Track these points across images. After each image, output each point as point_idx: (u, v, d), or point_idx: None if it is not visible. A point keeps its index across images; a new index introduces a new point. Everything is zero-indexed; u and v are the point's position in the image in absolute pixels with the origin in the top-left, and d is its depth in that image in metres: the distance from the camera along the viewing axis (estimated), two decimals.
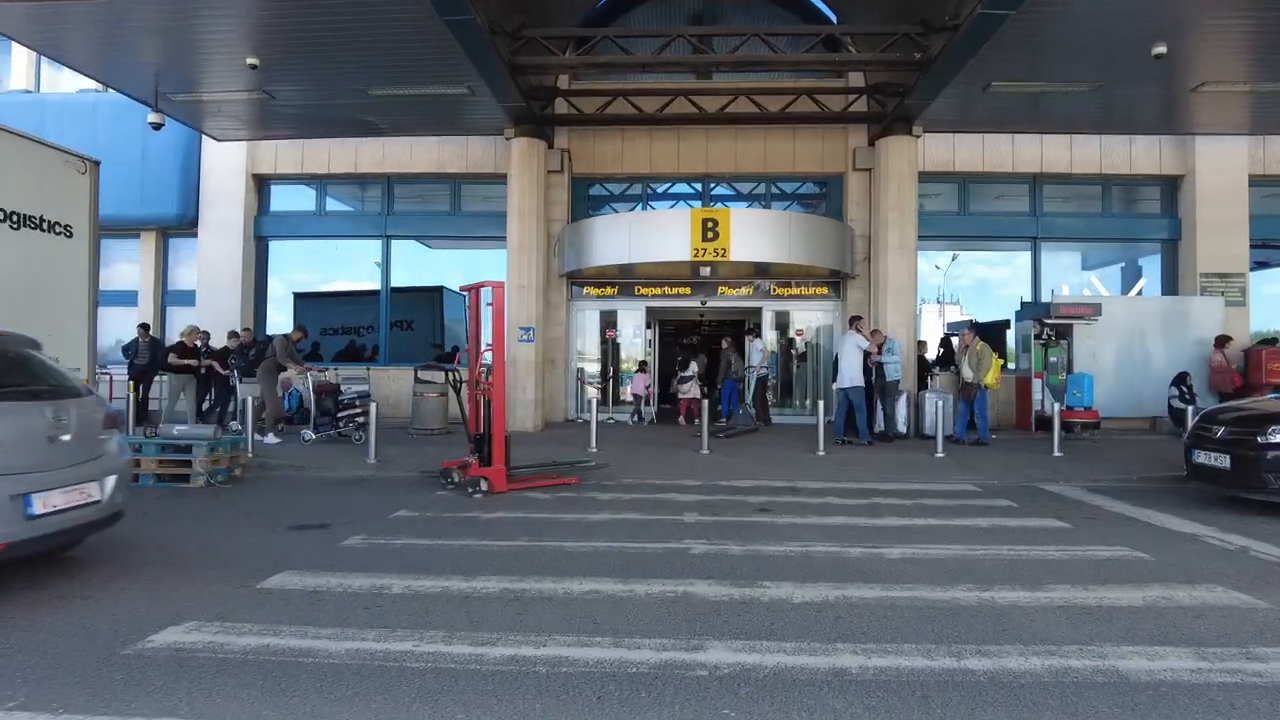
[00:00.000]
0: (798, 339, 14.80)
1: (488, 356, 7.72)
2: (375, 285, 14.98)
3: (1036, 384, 12.76)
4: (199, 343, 12.21)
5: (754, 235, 12.10)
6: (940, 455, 9.86)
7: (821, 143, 14.05)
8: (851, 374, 10.85)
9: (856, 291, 13.78)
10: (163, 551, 5.13)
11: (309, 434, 10.58)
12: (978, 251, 15.39)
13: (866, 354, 11.17)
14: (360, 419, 10.93)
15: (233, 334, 12.66)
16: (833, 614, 3.89)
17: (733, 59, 10.62)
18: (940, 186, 14.31)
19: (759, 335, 13.92)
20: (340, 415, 10.92)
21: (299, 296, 15.72)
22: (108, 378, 13.77)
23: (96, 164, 8.47)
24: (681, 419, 13.65)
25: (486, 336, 7.80)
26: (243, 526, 6.01)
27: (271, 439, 10.67)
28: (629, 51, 10.61)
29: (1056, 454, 9.90)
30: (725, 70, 10.82)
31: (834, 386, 11.69)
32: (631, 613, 3.89)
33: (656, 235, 12.28)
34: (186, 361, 11.58)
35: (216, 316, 13.93)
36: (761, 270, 13.38)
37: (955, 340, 12.71)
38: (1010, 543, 5.49)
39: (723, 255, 11.80)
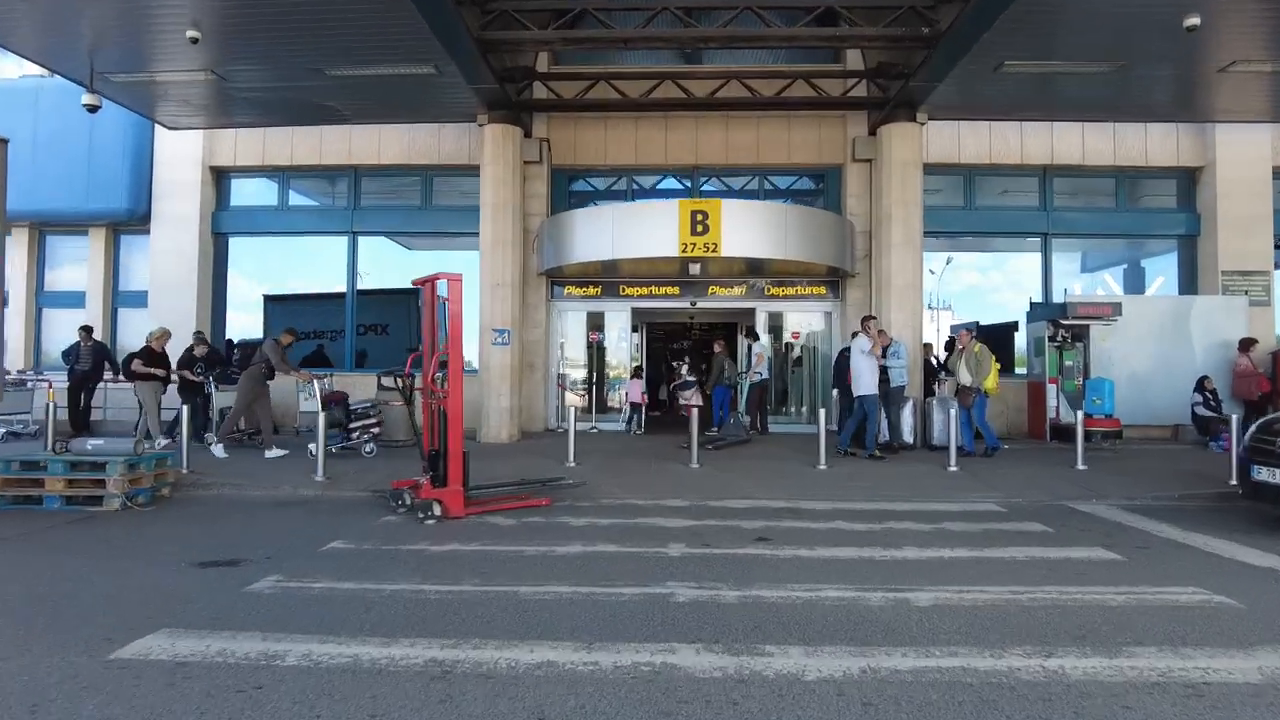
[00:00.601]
0: (794, 341, 13.89)
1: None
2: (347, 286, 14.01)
3: (1051, 390, 11.87)
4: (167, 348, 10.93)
5: (747, 229, 11.18)
6: (953, 469, 8.95)
7: (818, 132, 13.17)
8: (865, 381, 9.88)
9: (857, 291, 12.88)
10: (19, 602, 4.13)
11: (313, 449, 9.61)
12: (984, 252, 14.50)
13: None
14: (375, 429, 10.14)
15: (200, 338, 11.35)
16: (859, 698, 2.94)
17: (723, 34, 9.69)
18: (944, 180, 13.42)
19: (757, 338, 13.00)
20: (353, 427, 9.99)
21: (269, 299, 14.69)
22: (46, 385, 12.71)
23: (4, 142, 7.48)
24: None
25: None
26: (141, 563, 5.01)
27: (220, 451, 9.66)
28: (611, 26, 9.67)
29: (1080, 467, 9.00)
30: (715, 46, 9.93)
31: (834, 392, 10.81)
32: (591, 700, 2.92)
33: (642, 229, 11.34)
34: (153, 370, 10.34)
35: (170, 319, 12.77)
36: (755, 268, 12.46)
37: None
38: (1059, 582, 4.56)
39: (713, 250, 10.87)
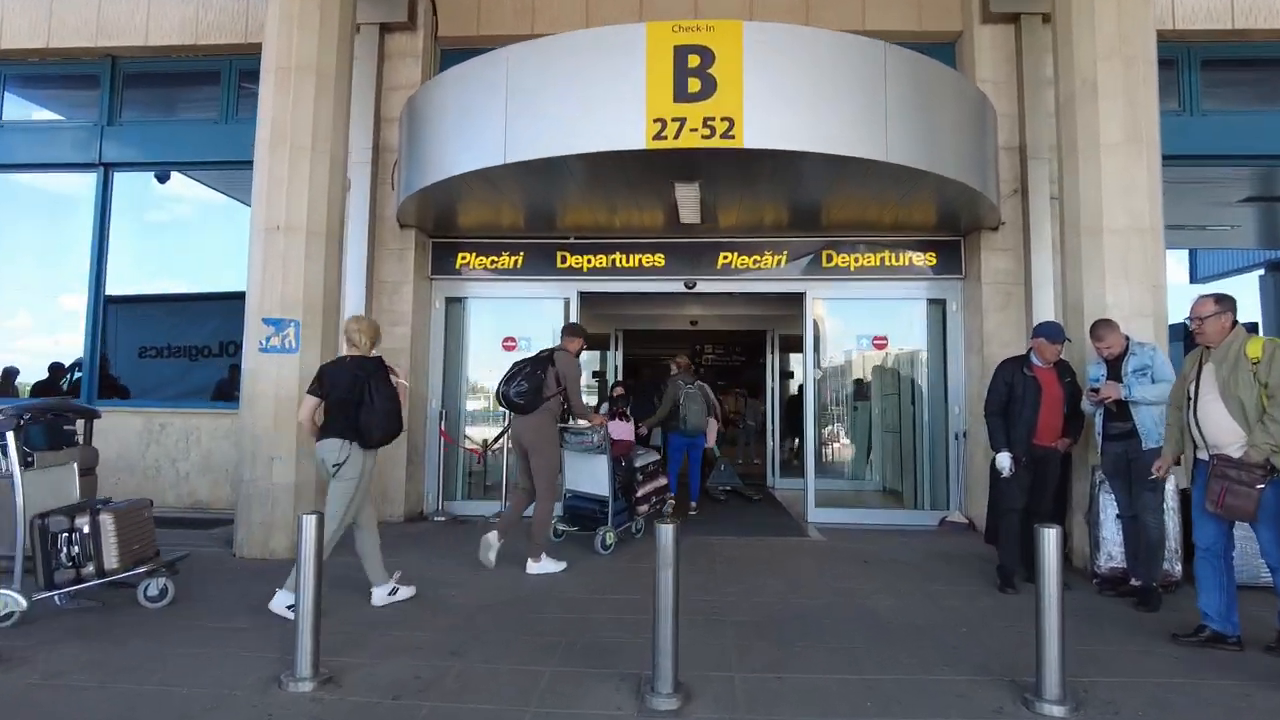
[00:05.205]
0: (877, 353, 7.80)
1: None
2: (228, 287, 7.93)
3: None
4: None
5: (802, 87, 5.14)
6: None
7: None
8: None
9: (998, 258, 6.81)
10: None
11: (610, 537, 5.61)
12: (1218, 199, 8.32)
13: (1093, 388, 4.50)
14: (670, 497, 6.55)
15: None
16: None
17: None
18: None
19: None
20: (641, 497, 6.01)
21: (113, 301, 8.56)
22: None
23: None
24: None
25: None
26: None
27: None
28: None
29: None
30: None
31: (1004, 460, 4.70)
32: None
33: (569, 91, 5.27)
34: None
35: None
36: (805, 205, 6.43)
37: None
38: None
39: (726, 134, 4.86)
